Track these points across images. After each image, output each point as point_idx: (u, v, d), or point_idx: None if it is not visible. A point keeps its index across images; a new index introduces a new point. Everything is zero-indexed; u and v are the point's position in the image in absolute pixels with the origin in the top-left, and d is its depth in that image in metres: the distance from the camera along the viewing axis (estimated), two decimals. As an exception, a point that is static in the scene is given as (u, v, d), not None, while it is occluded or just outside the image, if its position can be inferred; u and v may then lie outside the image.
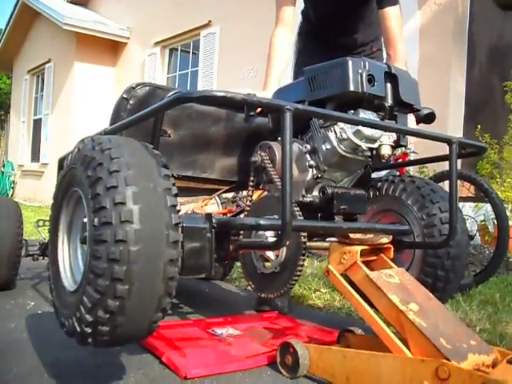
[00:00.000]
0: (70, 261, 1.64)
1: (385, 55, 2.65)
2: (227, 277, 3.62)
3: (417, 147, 3.22)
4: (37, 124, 12.61)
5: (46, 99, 11.87)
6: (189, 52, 9.19)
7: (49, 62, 11.71)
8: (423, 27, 5.33)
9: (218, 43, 7.93)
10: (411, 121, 2.09)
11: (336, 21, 2.64)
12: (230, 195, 4.11)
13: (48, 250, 1.76)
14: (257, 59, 6.29)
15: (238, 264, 3.43)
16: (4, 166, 13.84)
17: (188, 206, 3.79)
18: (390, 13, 2.43)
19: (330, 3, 2.57)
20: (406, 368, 1.46)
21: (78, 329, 1.40)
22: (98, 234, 1.31)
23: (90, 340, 1.38)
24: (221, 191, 2.53)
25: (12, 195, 12.76)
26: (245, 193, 3.89)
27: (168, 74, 9.62)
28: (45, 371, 1.67)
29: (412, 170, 4.77)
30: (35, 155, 12.46)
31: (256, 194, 2.81)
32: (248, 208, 1.98)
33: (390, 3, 2.44)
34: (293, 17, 2.48)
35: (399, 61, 2.39)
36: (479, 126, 4.99)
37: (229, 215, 3.30)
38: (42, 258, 2.97)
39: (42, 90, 12.31)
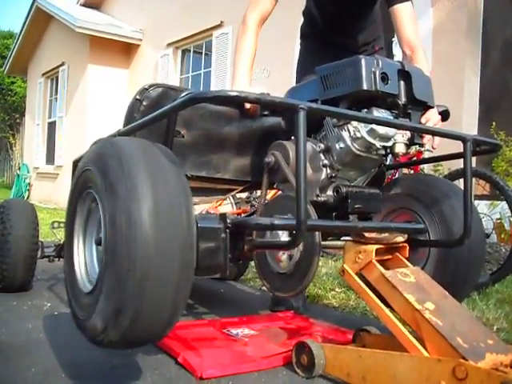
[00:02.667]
0: (85, 262, 1.65)
1: (398, 53, 2.62)
2: (242, 277, 3.62)
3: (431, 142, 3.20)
4: (51, 127, 12.70)
5: (61, 102, 11.95)
6: (201, 53, 9.21)
7: (63, 64, 11.79)
8: (436, 25, 5.29)
9: (231, 44, 7.93)
10: (434, 114, 2.06)
11: (342, 21, 2.59)
12: (244, 195, 4.12)
13: (63, 251, 1.77)
14: (269, 60, 6.29)
15: (253, 264, 3.43)
16: (20, 168, 13.96)
17: (202, 206, 3.80)
18: (403, 10, 2.32)
19: (336, 4, 2.52)
20: (422, 367, 1.45)
21: (93, 331, 1.41)
22: (114, 237, 1.32)
23: (106, 341, 1.39)
24: (235, 191, 2.53)
25: (28, 197, 12.86)
26: (259, 193, 3.90)
27: (181, 75, 9.64)
28: (62, 371, 1.68)
29: (426, 168, 4.74)
30: (50, 157, 12.55)
31: (270, 194, 2.82)
32: (262, 208, 1.98)
33: (401, 0, 2.34)
34: (270, 11, 2.39)
35: (419, 61, 2.27)
36: (494, 124, 4.95)
37: (243, 215, 3.31)
38: (57, 259, 2.99)
39: (57, 92, 12.40)
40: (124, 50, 10.81)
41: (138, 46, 10.68)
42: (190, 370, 1.72)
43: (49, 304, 2.61)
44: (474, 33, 5.25)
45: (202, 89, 8.84)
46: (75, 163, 2.57)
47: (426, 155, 3.82)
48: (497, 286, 3.26)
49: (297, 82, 2.64)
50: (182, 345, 1.91)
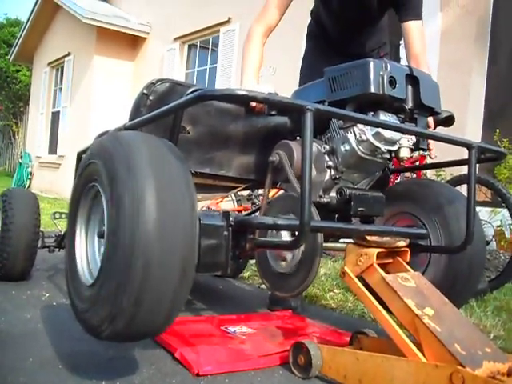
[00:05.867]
0: (87, 255, 1.66)
1: (405, 56, 2.62)
2: (240, 274, 3.63)
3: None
4: (55, 116, 12.69)
5: (65, 92, 11.93)
6: (208, 48, 9.20)
7: (68, 55, 11.77)
8: (444, 29, 5.28)
9: (238, 40, 7.92)
10: (431, 121, 2.08)
11: (349, 28, 2.60)
12: (245, 193, 4.12)
13: (64, 242, 1.77)
14: (276, 57, 6.28)
15: (251, 262, 3.43)
16: (22, 157, 13.96)
17: (204, 202, 3.80)
18: (414, 27, 2.35)
19: (345, 11, 2.52)
20: (419, 373, 1.45)
21: (94, 322, 1.42)
22: (116, 230, 1.32)
23: (105, 334, 1.39)
24: (237, 189, 2.54)
25: (29, 186, 12.86)
26: (261, 191, 3.90)
27: (186, 70, 9.63)
28: (59, 362, 1.68)
29: (429, 173, 4.74)
30: (53, 147, 12.54)
31: (271, 193, 2.82)
32: (264, 206, 1.98)
33: (413, 17, 2.36)
34: (276, 24, 2.40)
35: None
36: (498, 131, 4.94)
37: (244, 213, 3.31)
38: (57, 249, 3.00)
39: (62, 82, 12.38)
40: (130, 43, 10.79)
41: (145, 39, 10.67)
42: (186, 366, 1.72)
43: (47, 294, 2.61)
44: (482, 38, 5.23)
45: (207, 84, 8.83)
46: (79, 155, 2.57)
47: (429, 160, 3.81)
48: (495, 294, 3.26)
49: (301, 82, 2.64)
50: (180, 340, 1.91)
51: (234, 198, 4.20)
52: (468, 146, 1.79)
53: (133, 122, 1.84)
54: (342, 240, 2.14)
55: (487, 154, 2.03)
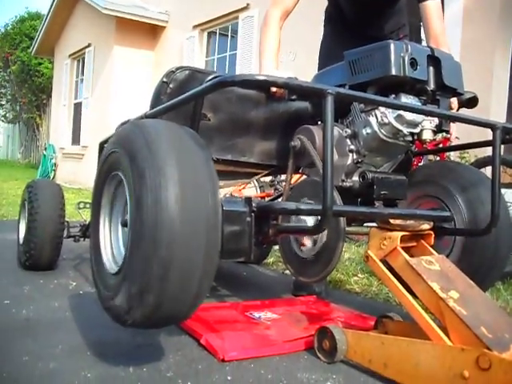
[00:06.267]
0: (111, 243, 1.67)
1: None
2: (264, 260, 3.63)
3: (457, 132, 3.17)
4: (77, 107, 12.79)
5: (87, 83, 12.02)
6: (227, 35, 9.17)
7: (89, 46, 11.84)
8: (467, 9, 5.18)
9: (257, 26, 7.87)
10: (454, 102, 2.05)
11: (368, 10, 2.57)
12: (268, 179, 4.11)
13: (89, 232, 1.79)
14: (295, 43, 6.24)
15: (275, 248, 3.43)
16: (46, 149, 14.12)
17: (227, 189, 3.81)
18: (432, 7, 2.33)
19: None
20: (445, 356, 1.44)
21: (120, 310, 1.43)
22: (140, 218, 1.33)
23: (131, 321, 1.41)
24: (260, 175, 2.53)
25: (53, 177, 13.01)
26: (283, 177, 3.89)
27: (206, 58, 9.62)
28: (87, 349, 1.71)
29: (453, 156, 4.68)
30: (76, 138, 12.66)
31: (294, 178, 2.81)
32: (286, 192, 1.98)
33: None
34: (293, 7, 2.37)
35: None
36: (524, 111, 4.87)
37: (267, 199, 3.31)
38: (82, 239, 3.03)
39: (83, 73, 12.46)
40: (150, 32, 10.80)
41: (164, 27, 10.67)
42: (212, 352, 1.73)
43: (74, 283, 2.65)
44: (507, 19, 5.13)
45: (227, 72, 8.82)
46: (102, 145, 2.59)
47: (453, 142, 3.77)
48: (522, 276, 3.22)
49: (320, 66, 2.62)
50: (205, 327, 1.93)
51: (256, 184, 4.19)
52: (492, 126, 1.76)
53: (153, 110, 1.84)
54: (366, 224, 2.14)
55: (512, 135, 2.00)
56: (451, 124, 2.04)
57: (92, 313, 2.08)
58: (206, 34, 9.56)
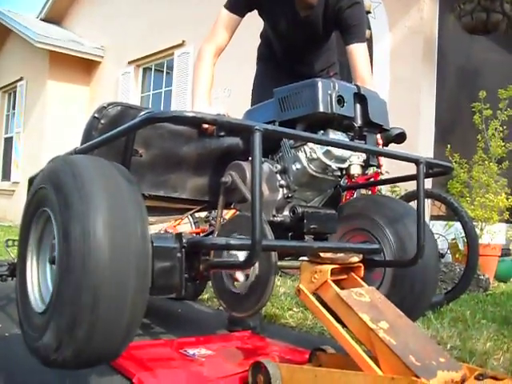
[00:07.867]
0: (38, 281, 1.62)
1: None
2: (200, 297, 3.60)
3: (390, 167, 3.27)
4: (8, 142, 12.45)
5: (18, 117, 11.74)
6: (162, 71, 9.21)
7: (21, 79, 11.61)
8: (394, 49, 5.43)
9: (192, 63, 7.94)
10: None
11: (297, 51, 2.66)
12: (203, 214, 4.10)
13: (16, 270, 1.73)
14: (231, 79, 6.33)
15: (210, 284, 3.40)
16: (-26, 184, 13.61)
17: (161, 225, 3.77)
18: (358, 50, 2.39)
19: (291, 34, 2.57)
20: (376, 386, 1.46)
21: (48, 349, 1.38)
22: (68, 249, 1.30)
23: (60, 360, 1.36)
24: (192, 211, 2.53)
25: (-18, 214, 12.53)
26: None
27: (142, 93, 9.61)
28: (12, 395, 1.64)
29: (384, 189, 4.82)
30: (6, 174, 12.29)
31: (229, 214, 2.82)
32: (218, 227, 1.98)
33: (357, 40, 2.40)
34: (225, 44, 2.44)
35: None
36: (449, 146, 5.09)
37: (201, 234, 3.29)
38: (10, 278, 2.92)
39: (14, 107, 12.18)
40: (85, 67, 10.71)
41: (99, 62, 10.61)
42: (144, 392, 1.69)
43: (0, 325, 2.54)
44: (430, 57, 5.40)
45: (162, 107, 8.83)
46: (31, 181, 2.52)
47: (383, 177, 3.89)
48: (451, 305, 3.33)
49: (252, 103, 2.67)
50: (138, 365, 1.88)
51: (191, 220, 4.17)
52: (415, 161, 1.83)
53: (84, 145, 1.81)
54: (300, 258, 2.16)
55: (435, 169, 2.08)
56: (381, 158, 2.11)
57: (18, 356, 1.98)
58: (141, 69, 9.58)
